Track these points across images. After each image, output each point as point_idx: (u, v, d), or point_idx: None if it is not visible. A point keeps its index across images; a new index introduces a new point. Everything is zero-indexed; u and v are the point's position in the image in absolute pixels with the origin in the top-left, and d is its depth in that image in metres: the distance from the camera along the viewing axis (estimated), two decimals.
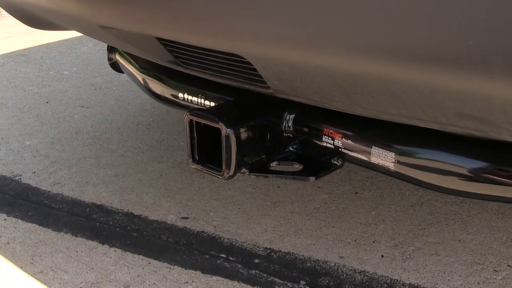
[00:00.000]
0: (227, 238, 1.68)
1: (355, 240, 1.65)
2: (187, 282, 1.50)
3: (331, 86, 0.99)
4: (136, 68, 1.81)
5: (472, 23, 0.72)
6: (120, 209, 1.84)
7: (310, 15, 0.85)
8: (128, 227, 1.74)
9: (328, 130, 1.29)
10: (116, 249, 1.64)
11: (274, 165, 1.37)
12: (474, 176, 1.11)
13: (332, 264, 1.56)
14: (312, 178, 1.33)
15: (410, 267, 1.54)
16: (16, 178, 2.05)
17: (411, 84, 0.86)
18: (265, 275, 1.53)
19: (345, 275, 1.52)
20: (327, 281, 1.51)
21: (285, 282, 1.50)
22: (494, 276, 1.50)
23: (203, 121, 1.31)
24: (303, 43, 0.92)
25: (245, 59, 1.07)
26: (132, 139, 2.34)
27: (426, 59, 0.79)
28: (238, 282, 1.51)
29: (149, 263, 1.57)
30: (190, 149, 1.36)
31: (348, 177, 1.99)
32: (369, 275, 1.52)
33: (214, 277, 1.52)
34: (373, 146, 1.21)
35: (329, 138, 1.28)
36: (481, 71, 0.75)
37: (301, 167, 1.35)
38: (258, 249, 1.63)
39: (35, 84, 3.01)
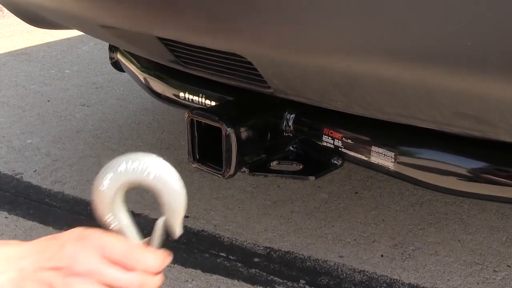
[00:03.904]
0: (227, 237, 1.69)
1: (355, 240, 1.66)
2: (187, 281, 1.51)
3: (330, 86, 1.00)
4: (137, 67, 1.81)
5: (469, 23, 0.73)
6: None
7: (309, 16, 0.86)
8: None
9: (328, 130, 1.29)
10: None
11: (274, 164, 1.37)
12: (473, 176, 1.11)
13: (332, 264, 1.57)
14: (312, 178, 1.33)
15: (410, 267, 1.54)
16: (17, 177, 2.06)
17: (408, 83, 0.86)
18: (265, 274, 1.54)
19: (344, 275, 1.53)
20: (326, 280, 1.51)
21: (285, 281, 1.51)
22: (494, 276, 1.50)
23: (204, 120, 1.32)
24: (303, 44, 0.92)
25: (245, 59, 1.07)
26: (133, 138, 2.34)
27: (423, 59, 0.79)
28: (238, 280, 1.51)
29: None
30: (190, 148, 1.36)
31: (348, 177, 1.99)
32: (369, 274, 1.52)
33: (214, 276, 1.53)
34: (373, 146, 1.21)
35: (329, 137, 1.28)
36: (478, 71, 0.76)
37: (301, 167, 1.35)
38: (258, 248, 1.64)
39: (36, 82, 3.02)
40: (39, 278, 0.73)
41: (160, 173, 0.73)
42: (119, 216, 0.78)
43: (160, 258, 0.77)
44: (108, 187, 0.76)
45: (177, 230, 0.79)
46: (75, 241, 0.76)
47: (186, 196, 0.75)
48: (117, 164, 0.74)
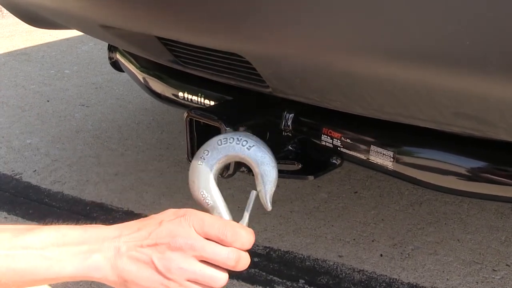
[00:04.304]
0: None
1: (354, 239, 1.66)
2: None
3: (329, 86, 1.00)
4: (136, 67, 1.81)
5: (469, 23, 0.73)
6: (120, 208, 1.84)
7: (308, 15, 0.86)
8: None
9: (327, 129, 1.29)
10: None
11: None
12: (473, 176, 1.11)
13: (331, 263, 1.57)
14: (311, 177, 1.33)
15: (409, 266, 1.55)
16: (17, 177, 2.06)
17: (408, 83, 0.86)
18: (264, 273, 1.54)
19: (344, 274, 1.53)
20: (326, 280, 1.51)
21: (284, 280, 1.51)
22: (493, 276, 1.50)
23: (202, 120, 1.31)
24: (302, 43, 0.92)
25: (244, 58, 1.07)
26: (132, 138, 2.34)
27: (423, 59, 0.79)
28: (237, 280, 1.51)
29: None
30: (190, 148, 1.36)
31: (347, 177, 1.99)
32: (368, 274, 1.53)
33: None
34: (372, 146, 1.21)
35: (328, 137, 1.28)
36: (478, 71, 0.76)
37: (300, 166, 1.35)
38: (258, 247, 1.64)
39: (36, 82, 3.02)
40: (137, 256, 0.73)
41: (254, 147, 0.80)
42: (212, 193, 0.82)
43: (253, 235, 0.78)
44: (206, 163, 0.80)
45: (269, 203, 0.82)
46: (172, 218, 0.75)
47: (277, 170, 0.82)
48: (214, 141, 0.79)
